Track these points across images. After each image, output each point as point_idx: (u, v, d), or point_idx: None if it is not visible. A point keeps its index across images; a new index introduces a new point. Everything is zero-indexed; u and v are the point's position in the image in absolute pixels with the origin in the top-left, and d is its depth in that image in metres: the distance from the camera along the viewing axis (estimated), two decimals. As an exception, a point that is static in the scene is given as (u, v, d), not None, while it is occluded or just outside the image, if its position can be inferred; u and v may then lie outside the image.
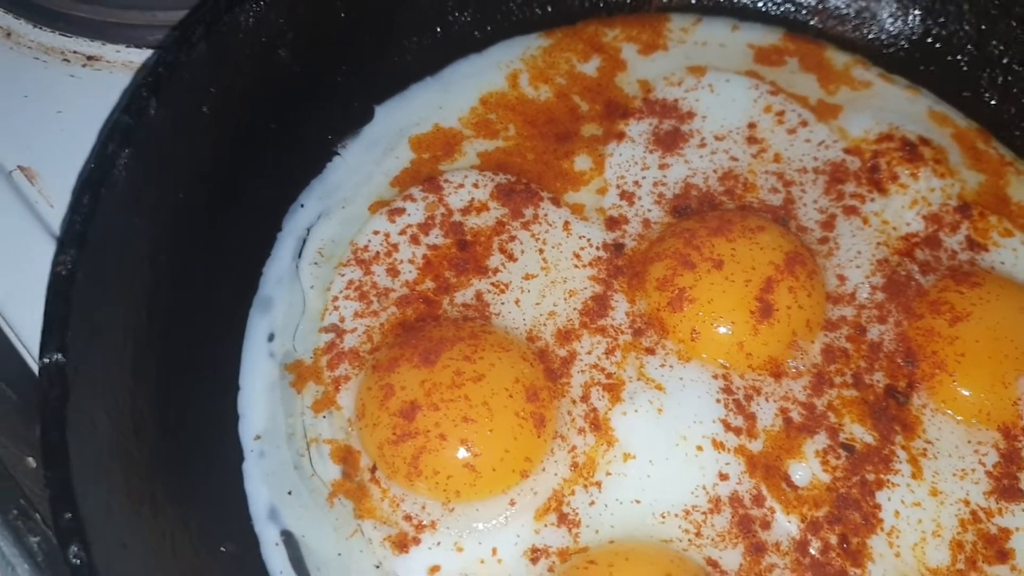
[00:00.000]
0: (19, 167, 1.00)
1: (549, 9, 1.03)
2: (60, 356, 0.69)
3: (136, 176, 0.78)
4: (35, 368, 0.90)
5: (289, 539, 0.78)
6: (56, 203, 0.98)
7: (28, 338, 0.91)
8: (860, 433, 0.80)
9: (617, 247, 0.89)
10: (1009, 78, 0.96)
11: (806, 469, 0.79)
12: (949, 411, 0.81)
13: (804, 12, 1.02)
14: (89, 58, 1.08)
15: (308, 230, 0.91)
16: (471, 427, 0.75)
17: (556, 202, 0.92)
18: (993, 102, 0.97)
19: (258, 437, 0.82)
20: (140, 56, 1.07)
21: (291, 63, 0.91)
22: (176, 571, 0.72)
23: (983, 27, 0.96)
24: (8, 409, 1.11)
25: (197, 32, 0.83)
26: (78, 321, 0.72)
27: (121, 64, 1.07)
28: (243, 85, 0.88)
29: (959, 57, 0.98)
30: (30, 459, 1.16)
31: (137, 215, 0.80)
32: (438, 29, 1.00)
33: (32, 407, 0.90)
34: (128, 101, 0.80)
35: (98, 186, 0.76)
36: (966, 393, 0.81)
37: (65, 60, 1.08)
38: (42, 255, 0.93)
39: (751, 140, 0.95)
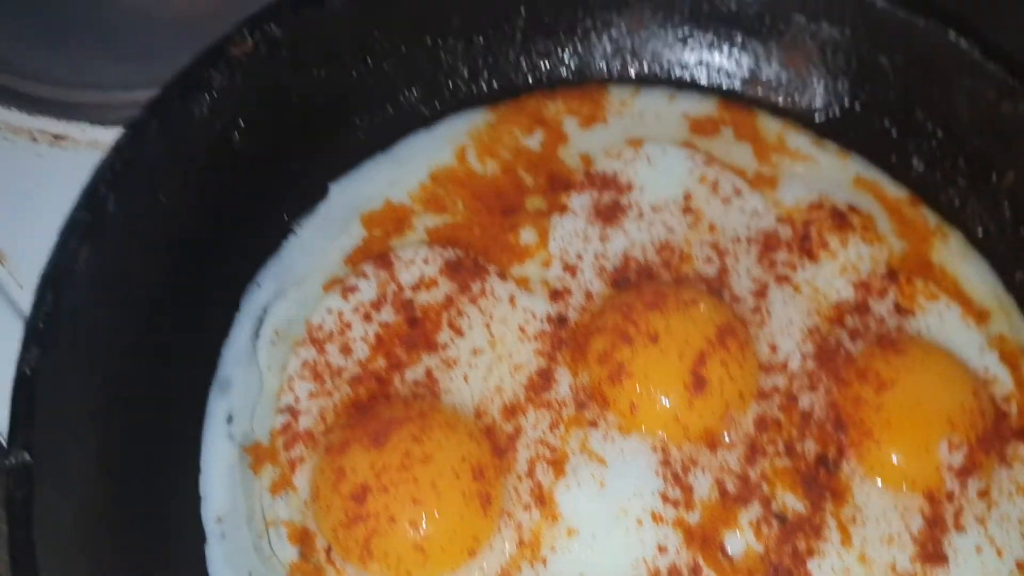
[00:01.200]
0: (-11, 248, 1.03)
1: (494, 84, 1.06)
2: (26, 455, 0.73)
3: (96, 269, 0.82)
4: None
5: (250, 618, 0.82)
6: (25, 284, 1.01)
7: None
8: (792, 502, 0.84)
9: (560, 320, 0.93)
10: (933, 144, 1.00)
11: (740, 540, 0.83)
12: (877, 478, 0.85)
13: (738, 81, 1.07)
14: (56, 137, 1.11)
15: (265, 309, 0.95)
16: (420, 509, 0.79)
17: (502, 276, 0.96)
18: (920, 168, 1.01)
19: (219, 519, 0.85)
20: (105, 134, 1.10)
21: (246, 147, 0.95)
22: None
23: (908, 95, 1.00)
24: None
25: (152, 126, 0.87)
26: (43, 418, 0.76)
27: (87, 143, 1.10)
28: (198, 172, 0.92)
29: (886, 123, 1.02)
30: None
31: (98, 306, 0.84)
32: (389, 107, 1.04)
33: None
34: (86, 197, 0.84)
35: (59, 283, 0.80)
36: (893, 460, 0.85)
37: (32, 139, 1.11)
38: (10, 336, 0.97)
39: (687, 210, 0.99)
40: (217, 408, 0.90)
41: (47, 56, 1.13)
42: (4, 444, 0.77)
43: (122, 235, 0.85)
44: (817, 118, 1.05)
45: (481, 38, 1.04)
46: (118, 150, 0.86)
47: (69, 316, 0.80)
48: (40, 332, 0.78)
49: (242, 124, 0.94)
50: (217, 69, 0.90)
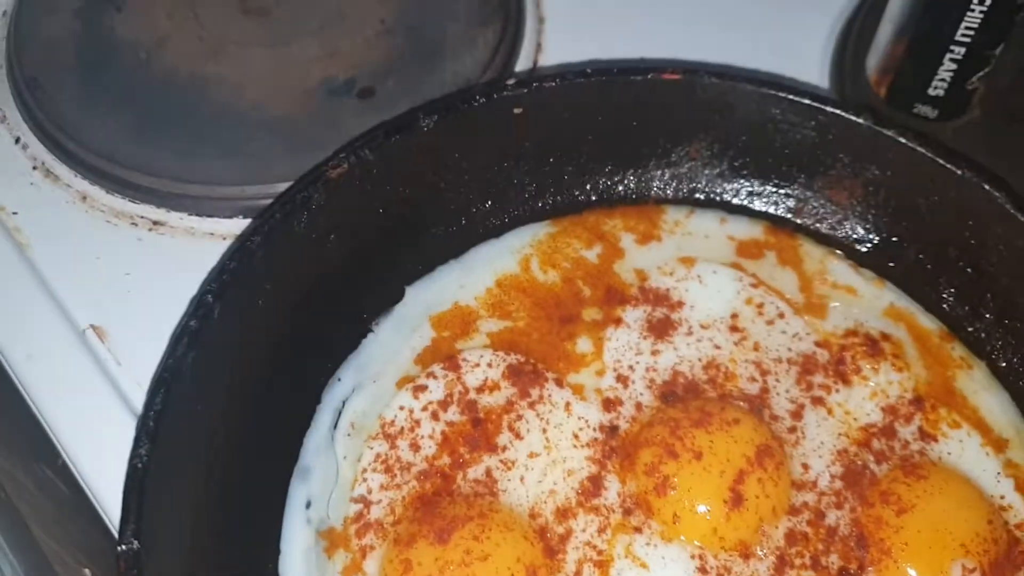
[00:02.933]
0: (91, 326, 1.14)
1: (559, 199, 1.16)
2: (136, 543, 0.83)
3: (200, 372, 0.92)
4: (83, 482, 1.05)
5: None
6: (123, 361, 1.12)
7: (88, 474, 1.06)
8: (815, 612, 0.92)
9: (612, 429, 1.02)
10: (964, 279, 1.08)
11: (767, 646, 0.91)
12: (894, 594, 0.93)
13: (784, 209, 1.15)
14: (154, 223, 1.22)
15: (343, 403, 1.04)
16: (477, 604, 0.88)
17: (559, 383, 1.04)
18: (950, 300, 1.09)
19: (295, 600, 0.95)
20: (200, 223, 1.22)
21: (335, 255, 1.05)
22: None
23: (942, 234, 1.08)
24: (61, 504, 1.24)
25: (255, 242, 0.98)
26: (150, 508, 0.85)
27: (183, 230, 1.22)
28: (293, 278, 1.02)
29: (921, 258, 1.10)
30: (86, 571, 1.29)
31: (199, 404, 0.94)
32: (462, 219, 1.14)
33: (84, 503, 1.05)
34: (195, 307, 0.94)
35: (169, 385, 0.90)
36: (910, 578, 0.93)
37: (133, 224, 1.22)
38: (108, 409, 1.08)
39: (733, 329, 1.07)
40: (297, 494, 0.99)
41: (149, 150, 1.24)
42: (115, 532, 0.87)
43: (224, 339, 0.95)
44: (857, 248, 1.13)
45: (550, 160, 1.14)
46: (225, 262, 0.95)
47: (174, 413, 0.89)
48: (150, 430, 0.87)
49: (333, 236, 1.04)
50: (316, 189, 1.00)
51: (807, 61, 1.33)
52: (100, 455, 1.05)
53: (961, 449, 1.01)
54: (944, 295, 1.09)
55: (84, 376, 1.10)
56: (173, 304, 1.08)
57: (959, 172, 1.03)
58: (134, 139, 1.25)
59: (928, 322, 1.09)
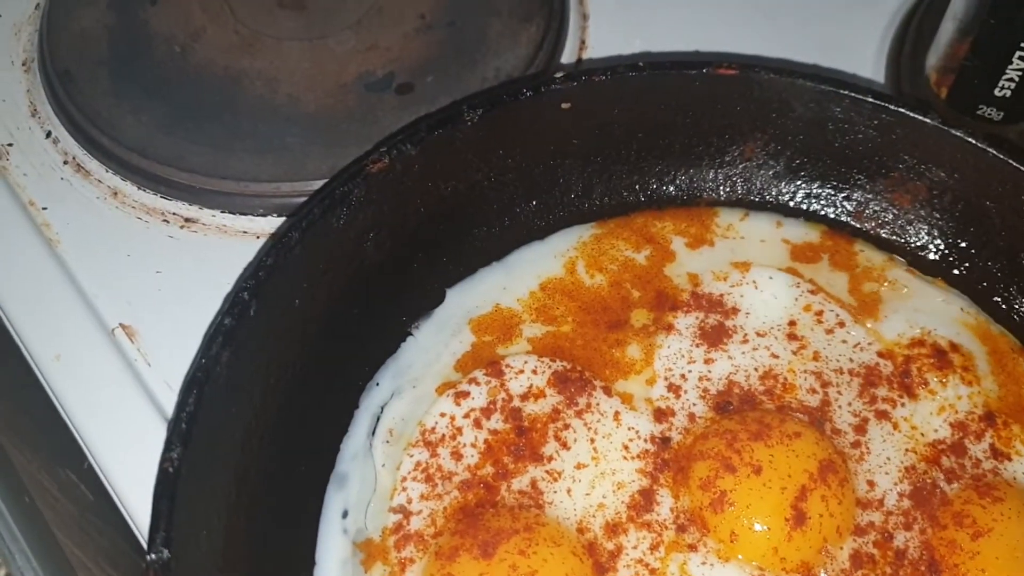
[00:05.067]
0: (120, 325, 1.10)
1: (606, 200, 1.11)
2: (166, 552, 0.79)
3: (235, 372, 0.88)
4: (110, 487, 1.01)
5: None
6: (153, 362, 1.08)
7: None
8: (883, 640, 0.87)
9: (664, 440, 0.97)
10: (1037, 290, 1.03)
11: (831, 675, 0.85)
12: (969, 622, 0.87)
13: (844, 213, 1.10)
14: (186, 220, 1.19)
15: (382, 408, 1.00)
16: (524, 623, 0.83)
17: (608, 391, 0.99)
18: (1023, 310, 1.04)
19: (331, 614, 0.90)
20: (233, 221, 1.18)
21: (374, 254, 1.01)
22: None
23: (1014, 241, 1.02)
24: (85, 510, 1.20)
25: (293, 238, 0.93)
26: (181, 515, 0.81)
27: (216, 227, 1.18)
28: (331, 278, 0.98)
29: (991, 265, 1.04)
30: (113, 585, 1.24)
31: (233, 405, 0.89)
32: (506, 219, 1.09)
33: (110, 509, 1.01)
34: (231, 304, 0.90)
35: (202, 385, 0.86)
36: (986, 608, 0.87)
37: (165, 221, 1.19)
38: (137, 411, 1.04)
39: (791, 337, 1.02)
40: (334, 502, 0.95)
41: (182, 145, 1.20)
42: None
43: (259, 339, 0.91)
44: (921, 254, 1.08)
45: (598, 158, 1.09)
46: (262, 259, 0.91)
47: (207, 415, 0.85)
48: (182, 433, 0.83)
49: (372, 234, 0.99)
50: (355, 185, 0.96)
51: (862, 59, 1.28)
52: (128, 459, 1.02)
53: (1036, 470, 0.95)
54: (1016, 305, 1.04)
55: (113, 377, 1.07)
56: (205, 304, 1.04)
57: (1034, 175, 0.98)
58: (167, 134, 1.21)
59: (999, 333, 1.03)
